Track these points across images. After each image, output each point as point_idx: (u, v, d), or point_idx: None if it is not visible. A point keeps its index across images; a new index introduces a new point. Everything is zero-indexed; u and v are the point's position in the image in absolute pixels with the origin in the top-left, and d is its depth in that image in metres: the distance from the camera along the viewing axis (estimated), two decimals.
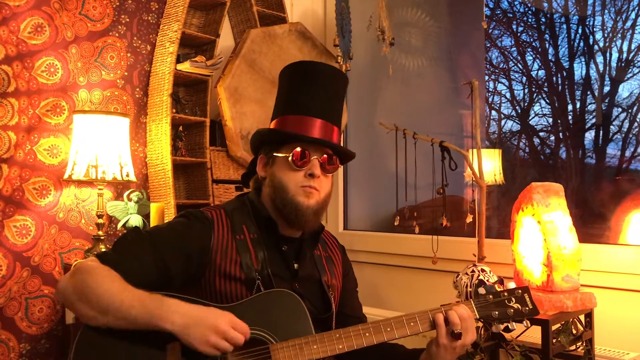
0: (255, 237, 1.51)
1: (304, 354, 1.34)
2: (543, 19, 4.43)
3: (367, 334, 1.39)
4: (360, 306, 1.73)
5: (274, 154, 1.52)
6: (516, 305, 1.47)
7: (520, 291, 1.50)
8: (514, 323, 1.47)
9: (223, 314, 1.29)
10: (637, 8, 3.72)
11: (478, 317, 1.45)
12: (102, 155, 2.42)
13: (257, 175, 1.58)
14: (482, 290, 1.49)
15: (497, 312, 1.46)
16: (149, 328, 1.27)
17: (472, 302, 1.47)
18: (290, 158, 1.48)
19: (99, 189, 2.50)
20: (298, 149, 1.48)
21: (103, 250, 1.37)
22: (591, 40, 4.04)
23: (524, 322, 1.49)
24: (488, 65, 4.53)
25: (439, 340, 1.40)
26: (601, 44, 3.93)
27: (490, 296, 1.48)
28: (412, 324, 1.41)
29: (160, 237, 1.43)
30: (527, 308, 1.48)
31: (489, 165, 3.38)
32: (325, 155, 1.52)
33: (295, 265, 1.54)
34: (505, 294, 1.49)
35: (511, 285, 1.51)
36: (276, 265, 1.50)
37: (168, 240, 1.42)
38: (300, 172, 1.49)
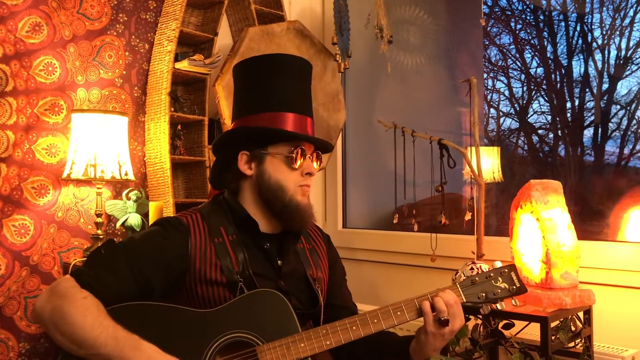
0: (234, 239, 1.49)
1: (292, 354, 1.33)
2: (541, 17, 4.43)
3: (354, 328, 1.38)
4: (350, 295, 1.71)
5: (262, 152, 1.49)
6: (503, 285, 1.45)
7: (506, 270, 1.47)
8: (502, 303, 1.45)
9: None
10: (635, 5, 3.73)
11: (465, 300, 1.43)
12: (101, 154, 2.42)
13: (236, 174, 1.53)
14: (467, 272, 1.47)
15: (484, 294, 1.44)
16: None
17: (457, 285, 1.45)
18: (292, 158, 1.47)
19: (98, 188, 2.50)
20: (299, 149, 1.48)
21: (78, 268, 1.36)
22: (590, 38, 4.04)
23: (513, 300, 1.46)
24: (486, 63, 4.53)
25: (427, 329, 1.39)
26: (600, 42, 3.93)
27: (477, 277, 1.45)
28: (398, 313, 1.40)
29: (137, 248, 1.41)
30: (514, 287, 1.45)
31: (487, 162, 3.38)
32: (314, 153, 1.53)
33: (279, 262, 1.52)
34: (491, 274, 1.46)
35: (497, 264, 1.49)
36: (259, 265, 1.48)
37: (144, 251, 1.41)
38: (297, 171, 1.49)
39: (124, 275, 1.36)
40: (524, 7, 4.57)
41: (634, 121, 3.75)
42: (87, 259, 1.41)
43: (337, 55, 3.02)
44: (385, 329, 1.40)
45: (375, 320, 1.39)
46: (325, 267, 1.64)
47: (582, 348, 1.96)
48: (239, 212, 1.51)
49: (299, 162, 1.48)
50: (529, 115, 4.51)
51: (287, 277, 1.52)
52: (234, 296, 1.41)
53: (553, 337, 1.87)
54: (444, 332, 1.39)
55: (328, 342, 1.36)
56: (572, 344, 1.96)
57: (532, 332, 2.01)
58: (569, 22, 4.16)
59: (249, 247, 1.49)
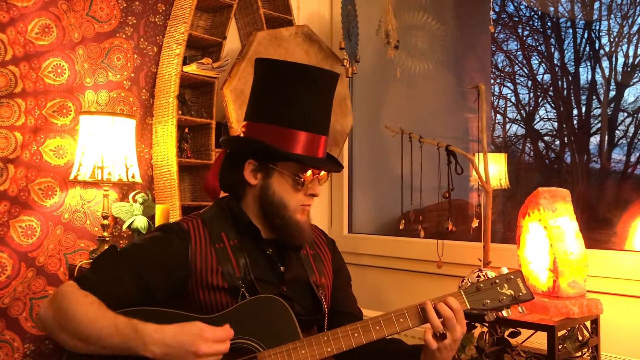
0: (236, 244, 1.48)
1: None
2: (549, 23, 4.43)
3: (355, 335, 1.37)
4: (355, 301, 1.70)
5: (271, 166, 1.47)
6: (509, 292, 1.41)
7: (512, 276, 1.43)
8: (508, 310, 1.41)
9: (199, 332, 1.26)
10: None
11: (469, 307, 1.40)
12: (108, 156, 2.42)
13: (240, 179, 1.51)
14: (472, 279, 1.44)
15: (489, 301, 1.40)
16: (131, 355, 1.26)
17: (461, 292, 1.42)
18: (299, 180, 1.46)
19: (105, 190, 2.50)
20: (309, 174, 1.46)
21: (81, 274, 1.38)
22: (597, 45, 4.04)
23: (520, 307, 1.42)
24: (493, 69, 4.52)
25: (429, 345, 1.37)
26: (607, 49, 3.92)
27: (481, 284, 1.42)
28: (401, 320, 1.38)
29: (138, 255, 1.41)
30: (520, 293, 1.41)
31: (494, 169, 3.38)
32: (323, 174, 1.52)
33: (282, 268, 1.51)
34: (497, 280, 1.42)
35: (504, 270, 1.45)
36: (261, 270, 1.47)
37: (146, 258, 1.40)
38: (302, 191, 1.48)
39: (124, 280, 1.36)
40: (532, 13, 4.56)
41: None
42: (90, 265, 1.42)
43: (345, 60, 3.02)
44: (387, 336, 1.39)
45: (377, 327, 1.38)
46: (330, 273, 1.63)
47: (589, 358, 1.95)
48: (241, 218, 1.51)
49: (305, 184, 1.47)
50: (535, 122, 4.50)
51: (289, 283, 1.51)
52: (236, 302, 1.41)
53: (560, 347, 1.86)
54: (446, 344, 1.36)
55: (329, 349, 1.35)
56: (579, 354, 1.95)
57: (538, 341, 2.00)
58: (577, 29, 4.15)
59: (251, 252, 1.48)
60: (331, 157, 1.60)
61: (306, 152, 1.46)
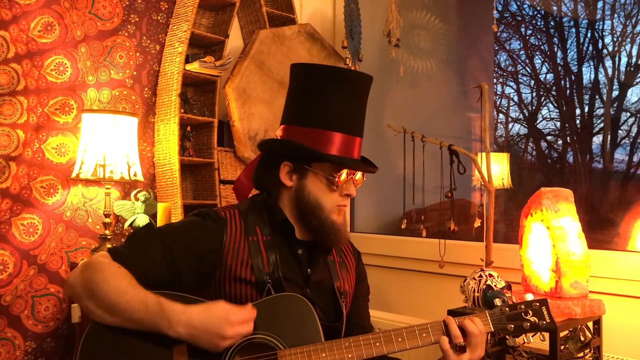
0: (269, 240, 1.49)
1: None
2: (552, 23, 4.42)
3: (377, 344, 1.36)
4: (369, 316, 1.70)
5: (306, 168, 1.48)
6: (533, 319, 1.42)
7: (538, 304, 1.44)
8: (529, 336, 1.43)
9: (225, 315, 1.27)
10: None
11: (493, 330, 1.41)
12: (110, 154, 2.42)
13: (275, 181, 1.52)
14: (498, 302, 1.45)
15: (512, 326, 1.41)
16: (155, 332, 1.27)
17: (487, 314, 1.43)
18: (334, 180, 1.46)
19: (107, 188, 2.50)
20: (344, 175, 1.47)
21: (115, 245, 1.39)
22: (600, 45, 4.03)
23: (540, 335, 1.45)
24: (496, 68, 4.52)
25: (446, 354, 1.37)
26: (610, 48, 3.91)
27: (507, 308, 1.43)
28: (424, 334, 1.38)
29: (173, 236, 1.42)
30: (544, 322, 1.42)
31: (496, 169, 3.37)
32: (358, 175, 1.52)
33: (309, 270, 1.51)
34: (522, 306, 1.44)
35: (529, 297, 1.46)
36: (289, 269, 1.48)
37: (180, 240, 1.41)
38: (336, 192, 1.48)
39: (156, 260, 1.37)
40: (535, 12, 4.56)
41: None
42: (125, 239, 1.43)
43: (348, 59, 3.01)
44: (408, 348, 1.38)
45: (400, 339, 1.37)
46: (352, 282, 1.64)
47: (591, 359, 1.94)
48: (277, 214, 1.51)
49: (340, 185, 1.48)
50: (538, 121, 4.49)
51: (314, 286, 1.51)
52: (261, 297, 1.41)
53: (562, 347, 1.86)
54: None
55: (350, 355, 1.34)
56: (581, 354, 1.95)
57: (540, 342, 2.00)
58: (580, 29, 4.15)
59: (281, 250, 1.49)
60: (366, 159, 1.60)
61: (341, 153, 1.47)
